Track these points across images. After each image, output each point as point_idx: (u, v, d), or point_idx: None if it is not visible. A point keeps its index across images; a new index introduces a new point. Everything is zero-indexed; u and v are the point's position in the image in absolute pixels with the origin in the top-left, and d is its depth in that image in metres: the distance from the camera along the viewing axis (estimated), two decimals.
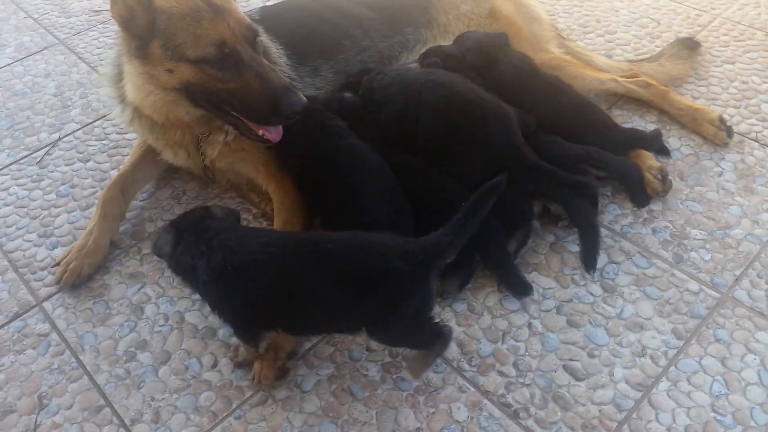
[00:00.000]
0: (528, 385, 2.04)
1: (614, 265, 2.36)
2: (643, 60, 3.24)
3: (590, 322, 2.19)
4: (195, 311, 2.33)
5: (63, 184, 2.91)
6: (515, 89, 2.69)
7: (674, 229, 2.47)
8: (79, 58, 3.72)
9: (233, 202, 2.75)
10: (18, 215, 2.78)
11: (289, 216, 2.47)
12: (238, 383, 2.11)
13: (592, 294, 2.27)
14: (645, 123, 2.93)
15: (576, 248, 2.40)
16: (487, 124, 2.42)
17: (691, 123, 2.86)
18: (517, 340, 2.15)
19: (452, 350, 2.14)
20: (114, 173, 2.84)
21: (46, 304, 2.41)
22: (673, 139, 2.84)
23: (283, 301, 1.91)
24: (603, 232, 2.45)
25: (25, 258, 2.59)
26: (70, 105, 3.37)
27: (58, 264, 2.50)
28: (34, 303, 2.42)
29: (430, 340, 1.93)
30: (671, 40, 3.31)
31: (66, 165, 3.00)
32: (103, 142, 3.11)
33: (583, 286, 2.30)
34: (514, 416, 1.97)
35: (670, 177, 2.56)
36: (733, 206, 2.54)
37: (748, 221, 2.48)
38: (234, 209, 2.27)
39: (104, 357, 2.22)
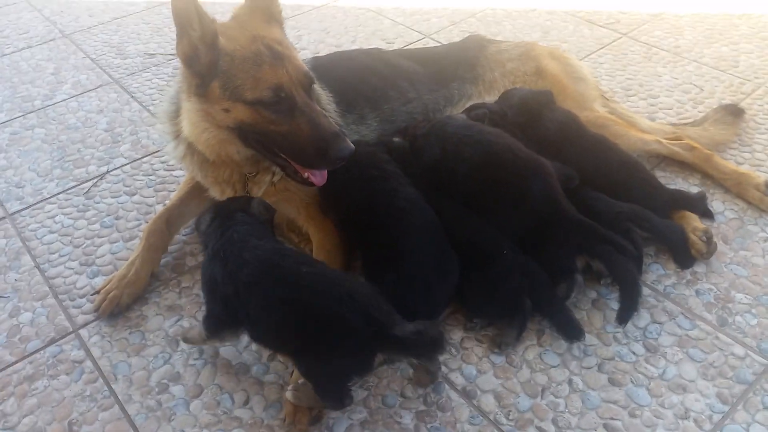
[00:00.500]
0: None
1: (657, 325, 2.31)
2: (686, 124, 3.24)
3: (632, 382, 2.13)
4: (229, 347, 2.32)
5: (108, 215, 2.97)
6: (560, 145, 2.71)
7: (718, 292, 2.42)
8: (132, 97, 3.85)
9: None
10: (62, 243, 2.83)
11: (327, 257, 2.48)
12: (269, 422, 2.08)
13: (634, 353, 2.22)
14: (688, 185, 2.91)
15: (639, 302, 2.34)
16: (523, 181, 2.43)
17: (736, 187, 2.84)
18: (556, 396, 2.10)
19: (489, 402, 2.10)
20: (159, 208, 2.90)
21: (83, 332, 2.43)
22: (716, 203, 2.81)
23: (245, 306, 2.00)
24: (646, 291, 2.41)
25: (65, 285, 2.63)
26: (120, 140, 3.47)
27: (98, 292, 2.53)
28: (71, 329, 2.44)
29: (335, 401, 1.99)
30: (715, 107, 3.32)
31: (112, 197, 3.07)
32: (150, 177, 3.19)
33: (625, 344, 2.25)
34: None
35: (714, 239, 2.53)
36: None
37: None
38: (271, 208, 2.37)
39: (137, 387, 2.22)
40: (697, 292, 2.43)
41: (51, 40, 4.56)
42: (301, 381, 2.05)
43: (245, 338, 2.34)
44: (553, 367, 2.19)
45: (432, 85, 3.12)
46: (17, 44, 4.53)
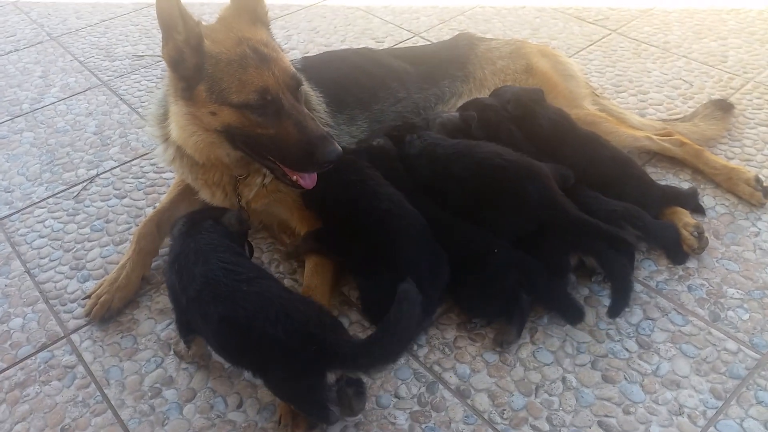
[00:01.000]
0: None
1: (650, 322, 2.31)
2: (676, 120, 3.26)
3: (626, 378, 2.13)
4: None
5: (98, 219, 2.95)
6: (553, 142, 2.72)
7: (710, 287, 2.43)
8: (121, 99, 3.83)
9: (265, 243, 2.76)
10: (52, 247, 2.81)
11: (320, 257, 2.47)
12: (263, 424, 2.08)
13: (627, 350, 2.22)
14: (679, 181, 2.92)
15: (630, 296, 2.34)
16: (518, 185, 2.42)
17: (727, 182, 2.85)
18: (551, 394, 2.10)
19: (483, 401, 2.09)
20: (149, 210, 2.88)
21: (74, 336, 2.42)
22: (707, 198, 2.82)
23: (197, 316, 2.04)
24: (638, 287, 2.42)
25: (56, 290, 2.61)
26: (110, 143, 3.45)
27: (88, 296, 2.52)
28: (63, 335, 2.43)
29: (313, 417, 2.00)
30: (704, 102, 3.33)
31: (102, 201, 3.05)
32: (140, 180, 3.17)
33: (618, 341, 2.25)
34: None
35: (705, 235, 2.54)
36: None
37: None
38: (245, 222, 2.40)
39: (129, 392, 2.21)
40: (690, 288, 2.43)
41: (38, 43, 4.53)
42: None
43: None
44: (547, 365, 2.19)
45: (422, 84, 3.12)
46: (4, 47, 4.49)
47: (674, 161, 3.00)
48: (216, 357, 2.27)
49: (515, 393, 2.12)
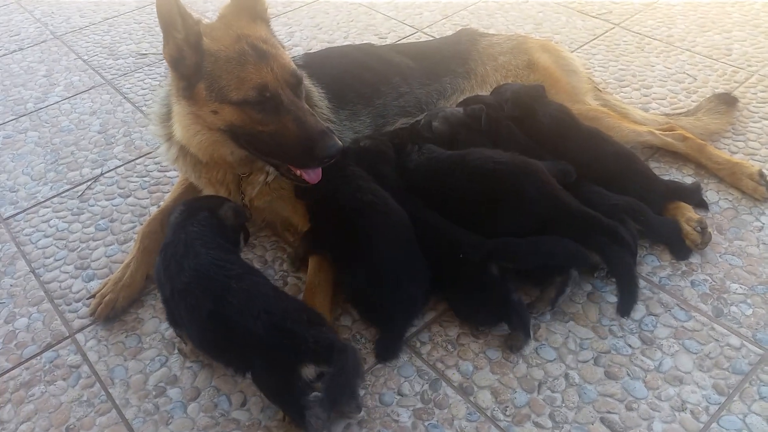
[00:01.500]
0: None
1: (653, 317, 2.31)
2: (680, 114, 3.24)
3: (628, 374, 2.13)
4: None
5: (102, 218, 2.96)
6: (554, 138, 2.72)
7: (713, 283, 2.43)
8: (125, 98, 3.84)
9: (268, 240, 2.77)
10: (57, 247, 2.83)
11: (322, 257, 2.47)
12: (267, 423, 2.08)
13: (630, 346, 2.22)
14: (682, 176, 2.91)
15: (614, 299, 2.36)
16: (515, 185, 2.41)
17: (730, 177, 2.84)
18: (553, 391, 2.10)
19: (486, 398, 2.10)
20: (154, 210, 2.90)
21: (79, 336, 2.43)
22: (711, 193, 2.81)
23: (179, 309, 2.09)
24: (641, 283, 2.41)
25: (60, 289, 2.63)
26: (114, 142, 3.46)
27: (93, 296, 2.53)
28: (67, 334, 2.44)
29: (289, 415, 2.02)
30: (708, 96, 3.31)
31: (106, 200, 3.06)
32: (144, 179, 3.18)
33: (621, 337, 2.25)
34: None
35: (709, 230, 2.53)
36: None
37: None
38: (242, 215, 2.40)
39: (134, 391, 2.22)
40: (693, 283, 2.43)
41: (42, 42, 4.54)
42: None
43: None
44: (550, 361, 2.20)
45: (424, 80, 3.11)
46: (8, 46, 4.51)
47: (677, 156, 2.99)
48: None
49: (518, 390, 2.12)
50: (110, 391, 2.23)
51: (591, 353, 2.21)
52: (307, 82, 2.76)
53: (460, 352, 2.25)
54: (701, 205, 2.72)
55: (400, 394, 2.14)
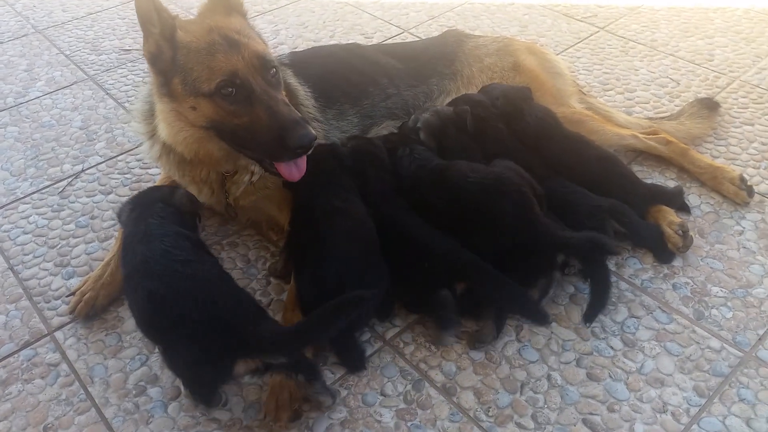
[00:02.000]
0: None
1: (635, 320, 2.33)
2: (663, 118, 3.27)
3: (610, 376, 2.15)
4: None
5: (83, 215, 2.92)
6: (540, 140, 2.73)
7: (695, 286, 2.45)
8: (107, 93, 3.79)
9: (251, 240, 2.75)
10: (36, 243, 2.79)
11: None
12: (248, 423, 2.07)
13: (612, 347, 2.23)
14: (665, 179, 2.94)
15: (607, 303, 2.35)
16: (487, 205, 2.38)
17: (712, 181, 2.87)
18: (536, 392, 2.11)
19: (469, 399, 2.10)
20: None
21: (58, 334, 2.39)
22: (692, 197, 2.84)
23: (129, 291, 2.13)
24: (623, 285, 2.44)
25: (40, 286, 2.59)
26: (95, 138, 3.42)
27: (73, 293, 2.50)
28: (46, 332, 2.41)
29: (197, 399, 2.08)
30: (690, 100, 3.34)
31: (87, 197, 3.02)
32: (126, 176, 3.14)
33: (603, 339, 2.26)
34: None
35: (690, 233, 2.55)
36: (755, 265, 2.51)
37: None
38: (196, 201, 2.40)
39: (113, 390, 2.19)
40: (674, 286, 2.45)
41: (23, 36, 4.47)
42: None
43: None
44: (532, 362, 2.20)
45: (411, 81, 3.12)
46: None
47: (660, 160, 3.01)
48: None
49: (500, 390, 2.12)
50: (89, 389, 2.20)
51: (573, 355, 2.22)
52: (293, 81, 2.75)
53: (443, 352, 2.25)
54: (683, 208, 2.75)
55: (383, 394, 2.14)
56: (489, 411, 2.06)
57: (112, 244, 2.62)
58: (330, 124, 2.82)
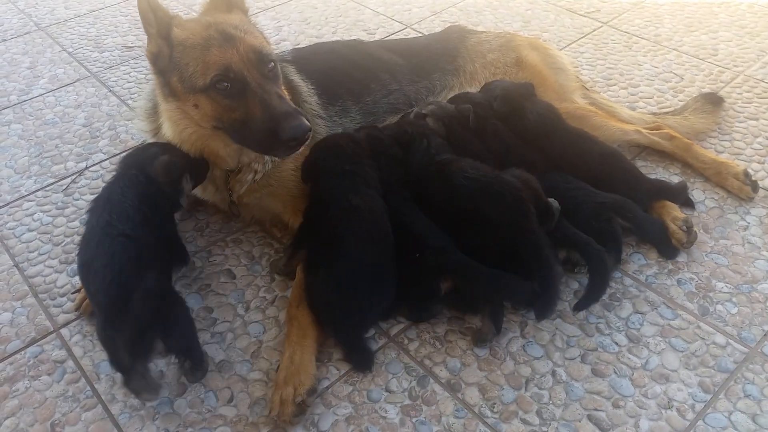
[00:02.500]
0: None
1: (639, 315, 2.33)
2: (666, 113, 3.26)
3: (615, 372, 2.15)
4: (213, 344, 2.31)
5: (87, 212, 2.92)
6: (541, 137, 2.72)
7: (699, 281, 2.45)
8: (110, 91, 3.79)
9: (255, 236, 2.75)
10: (41, 241, 2.79)
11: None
12: (254, 419, 2.07)
13: (617, 343, 2.23)
14: (668, 175, 2.93)
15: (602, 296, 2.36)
16: (478, 206, 2.36)
17: (716, 176, 2.86)
18: (540, 388, 2.11)
19: (474, 395, 2.10)
20: None
21: (64, 331, 2.40)
22: (697, 192, 2.83)
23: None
24: (627, 281, 2.44)
25: (45, 284, 2.59)
26: (99, 136, 3.42)
27: (78, 290, 2.50)
28: (52, 329, 2.41)
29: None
30: (694, 95, 3.34)
31: (91, 194, 3.02)
32: None
33: (608, 335, 2.26)
34: None
35: (694, 228, 2.55)
36: (760, 260, 2.51)
37: None
38: (172, 172, 2.35)
39: (120, 386, 2.18)
40: (679, 282, 2.45)
41: (26, 33, 4.47)
42: None
43: (229, 336, 2.34)
44: (537, 358, 2.20)
45: (413, 77, 3.11)
46: None
47: (664, 155, 3.01)
48: (206, 352, 2.27)
49: (505, 387, 2.13)
50: (96, 386, 2.20)
51: (578, 350, 2.22)
52: (296, 78, 2.75)
53: (448, 348, 2.26)
54: (687, 204, 2.74)
55: (387, 390, 2.14)
56: (494, 407, 2.07)
57: None
58: (333, 121, 2.82)
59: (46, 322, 2.44)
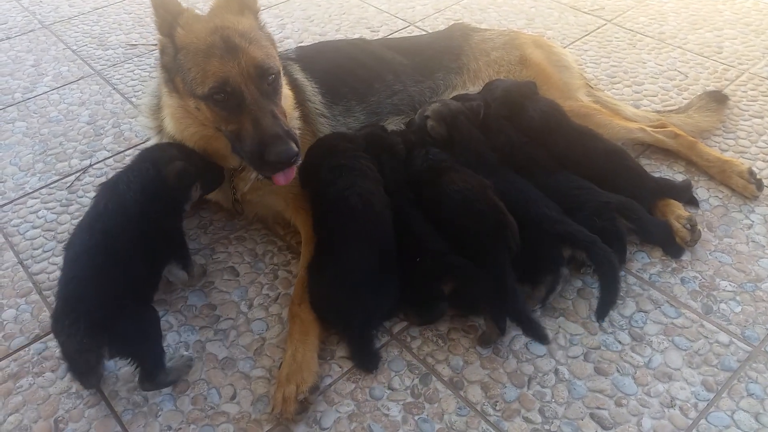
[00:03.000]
0: None
1: (643, 314, 2.32)
2: (671, 111, 3.25)
3: (618, 371, 2.14)
4: (216, 341, 2.31)
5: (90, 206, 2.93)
6: (544, 135, 2.71)
7: (703, 280, 2.44)
8: (114, 88, 3.80)
9: (259, 234, 2.76)
10: (45, 238, 2.80)
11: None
12: (257, 416, 2.08)
13: (620, 342, 2.23)
14: (673, 173, 2.92)
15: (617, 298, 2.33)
16: (459, 219, 2.37)
17: (720, 175, 2.85)
18: (543, 386, 2.11)
19: (476, 393, 2.10)
20: None
21: None
22: (701, 190, 2.82)
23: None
24: (631, 279, 2.43)
25: (49, 281, 2.60)
26: (103, 133, 3.43)
27: None
28: None
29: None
30: (699, 93, 3.33)
31: (95, 191, 3.02)
32: None
33: (611, 333, 2.26)
34: None
35: (698, 227, 2.54)
36: (764, 259, 2.50)
37: None
38: (183, 181, 2.33)
39: (123, 383, 2.20)
40: (683, 280, 2.44)
41: (30, 31, 4.48)
42: None
43: (232, 333, 2.34)
44: (540, 356, 2.20)
45: (417, 77, 3.11)
46: None
47: (668, 153, 3.00)
48: (209, 349, 2.28)
49: (508, 385, 2.12)
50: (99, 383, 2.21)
51: (581, 349, 2.22)
52: (300, 77, 2.76)
53: (451, 346, 2.25)
54: (691, 202, 2.74)
55: (390, 388, 2.14)
56: (496, 405, 2.07)
57: None
58: (337, 120, 2.82)
59: (50, 319, 2.44)
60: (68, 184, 3.09)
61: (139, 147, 3.26)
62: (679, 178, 2.87)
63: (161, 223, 2.27)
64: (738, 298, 2.37)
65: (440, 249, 2.30)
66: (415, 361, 2.21)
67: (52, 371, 2.26)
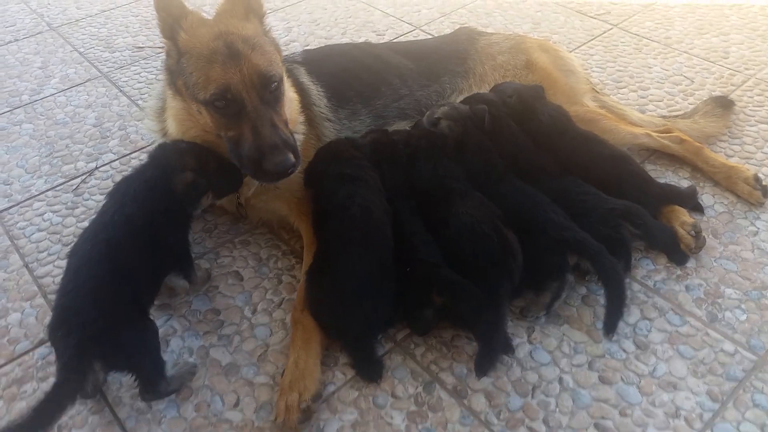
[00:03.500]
0: None
1: (647, 322, 2.31)
2: (676, 116, 3.24)
3: (622, 380, 2.13)
4: (220, 347, 2.31)
5: (97, 212, 2.93)
6: (553, 138, 2.71)
7: (708, 288, 2.43)
8: (121, 91, 3.81)
9: (263, 238, 2.76)
10: (50, 241, 2.81)
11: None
12: (260, 424, 2.08)
13: (624, 350, 2.22)
14: (678, 179, 2.91)
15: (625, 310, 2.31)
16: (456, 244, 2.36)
17: (726, 181, 2.84)
18: (547, 395, 2.10)
19: (480, 402, 2.09)
20: None
21: None
22: (706, 197, 2.81)
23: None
24: (636, 287, 2.42)
25: (54, 284, 2.60)
26: (109, 136, 3.44)
27: None
28: None
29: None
30: (705, 98, 3.31)
31: (101, 194, 3.03)
32: None
33: (615, 341, 2.25)
34: None
35: (703, 234, 2.53)
36: None
37: None
38: (189, 191, 2.31)
39: (126, 389, 2.20)
40: (687, 288, 2.43)
41: (38, 33, 4.50)
42: None
43: (236, 339, 2.34)
44: (544, 365, 2.19)
45: (423, 81, 3.11)
46: (3, 37, 4.47)
47: (674, 158, 2.99)
48: (213, 355, 2.28)
49: (512, 393, 2.12)
50: (103, 389, 2.20)
51: (585, 357, 2.21)
52: (306, 80, 2.76)
53: (455, 354, 2.25)
54: (697, 208, 2.72)
55: (393, 396, 2.14)
56: (500, 414, 2.06)
57: None
58: (342, 123, 2.82)
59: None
60: (74, 187, 3.10)
61: (145, 150, 3.28)
62: (685, 183, 2.86)
63: (167, 236, 2.26)
64: (743, 306, 2.35)
65: (432, 260, 2.29)
66: (419, 369, 2.21)
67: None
